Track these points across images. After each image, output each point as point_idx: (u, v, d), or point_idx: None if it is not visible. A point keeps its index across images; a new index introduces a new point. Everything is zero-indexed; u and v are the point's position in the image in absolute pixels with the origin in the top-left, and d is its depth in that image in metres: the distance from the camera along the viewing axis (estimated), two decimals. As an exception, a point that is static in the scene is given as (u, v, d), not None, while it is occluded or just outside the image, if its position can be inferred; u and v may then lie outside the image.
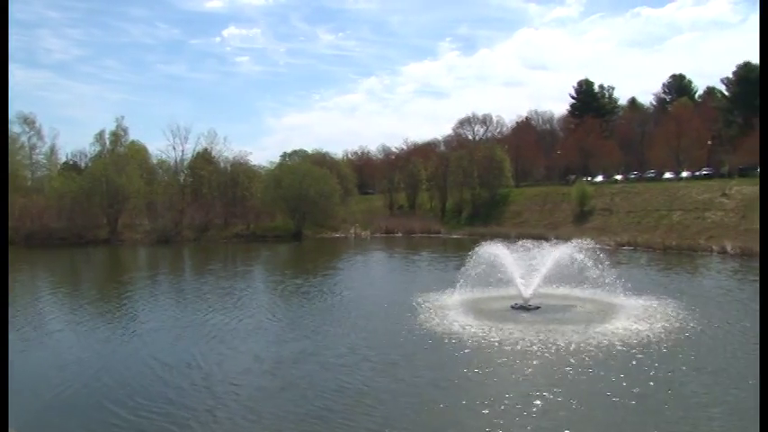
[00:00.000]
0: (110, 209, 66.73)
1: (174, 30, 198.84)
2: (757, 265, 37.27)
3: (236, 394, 14.51)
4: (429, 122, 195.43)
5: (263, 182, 74.67)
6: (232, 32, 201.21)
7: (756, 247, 40.76)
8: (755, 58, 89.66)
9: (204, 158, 78.59)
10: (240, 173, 76.49)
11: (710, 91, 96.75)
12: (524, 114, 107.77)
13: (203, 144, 79.97)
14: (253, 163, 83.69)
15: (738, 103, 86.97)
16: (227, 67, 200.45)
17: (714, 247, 43.79)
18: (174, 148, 78.40)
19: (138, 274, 41.50)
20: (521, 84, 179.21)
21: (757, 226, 45.95)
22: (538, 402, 13.46)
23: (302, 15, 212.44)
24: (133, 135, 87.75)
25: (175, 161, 78.98)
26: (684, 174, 73.74)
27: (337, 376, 15.69)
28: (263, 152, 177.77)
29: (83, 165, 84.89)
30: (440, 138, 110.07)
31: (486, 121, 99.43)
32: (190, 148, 79.39)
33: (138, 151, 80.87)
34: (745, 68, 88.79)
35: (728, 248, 42.49)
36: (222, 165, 78.99)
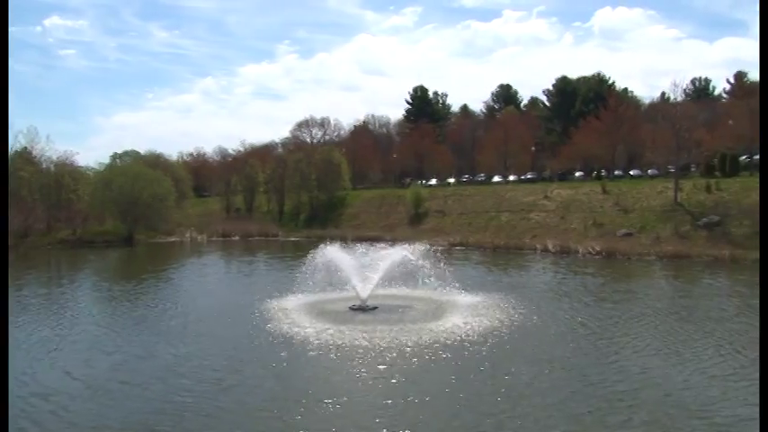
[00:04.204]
0: None
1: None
2: (574, 260, 39.68)
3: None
4: (267, 125, 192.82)
5: (92, 184, 68.54)
6: (55, 22, 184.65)
7: (573, 245, 43.61)
8: (570, 73, 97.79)
9: (23, 158, 70.14)
10: (65, 174, 69.37)
11: (534, 101, 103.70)
12: (362, 118, 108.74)
13: (22, 143, 71.42)
14: (80, 164, 76.90)
15: (557, 112, 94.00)
16: (49, 59, 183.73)
17: (538, 246, 45.86)
18: (-13, 147, 69.23)
19: None
20: (358, 88, 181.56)
21: (574, 226, 49.38)
22: (377, 402, 12.94)
23: (134, 10, 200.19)
24: (-65, 131, 76.75)
25: (-11, 161, 69.77)
26: (511, 177, 77.89)
27: (147, 401, 13.32)
28: (92, 152, 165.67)
29: None
30: (277, 140, 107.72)
31: (323, 124, 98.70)
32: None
33: (-58, 148, 70.58)
34: (562, 82, 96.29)
35: (550, 246, 44.72)
36: (45, 165, 71.32)
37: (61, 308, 25.33)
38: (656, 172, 66.21)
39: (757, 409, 11.63)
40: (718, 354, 16.47)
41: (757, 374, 13.83)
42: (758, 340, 16.87)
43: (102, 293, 31.12)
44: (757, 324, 19.30)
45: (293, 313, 21.99)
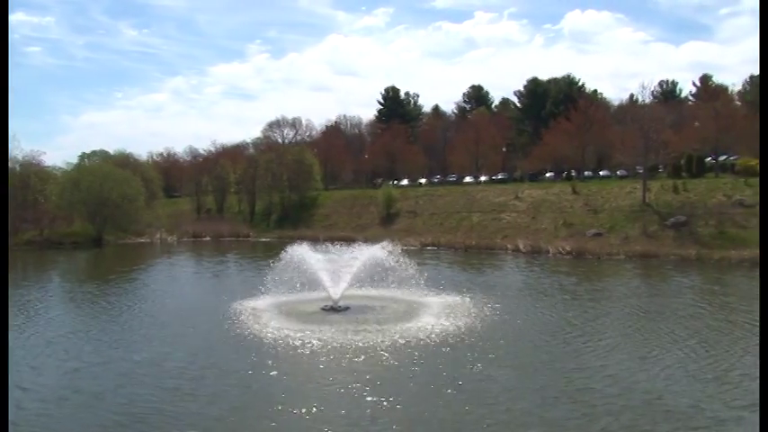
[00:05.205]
0: None
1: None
2: (546, 260, 39.76)
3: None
4: (238, 124, 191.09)
5: (59, 184, 66.91)
6: (20, 19, 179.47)
7: (543, 245, 43.75)
8: (541, 74, 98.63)
9: (-13, 158, 68.47)
10: (32, 174, 67.82)
11: (505, 102, 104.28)
12: (333, 119, 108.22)
13: (-15, 142, 69.48)
14: (47, 164, 75.17)
15: (528, 113, 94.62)
16: (14, 57, 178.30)
17: (509, 246, 45.95)
18: (-50, 147, 67.03)
19: None
20: (329, 89, 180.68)
21: (545, 226, 49.50)
22: (348, 410, 12.58)
23: (103, 7, 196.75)
24: None
25: (-48, 161, 67.62)
26: (482, 178, 78.10)
27: (103, 411, 12.68)
28: (59, 152, 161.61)
29: None
30: (249, 140, 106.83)
31: (295, 124, 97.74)
32: (-31, 147, 68.44)
33: None
34: (533, 83, 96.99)
35: (521, 246, 44.83)
36: (10, 165, 69.43)
37: (18, 311, 24.23)
38: (624, 173, 66.89)
39: (743, 412, 11.65)
40: (703, 353, 16.33)
41: (743, 375, 13.87)
42: (739, 338, 17.10)
43: (64, 296, 30.32)
44: (739, 321, 19.66)
45: (263, 314, 21.58)
